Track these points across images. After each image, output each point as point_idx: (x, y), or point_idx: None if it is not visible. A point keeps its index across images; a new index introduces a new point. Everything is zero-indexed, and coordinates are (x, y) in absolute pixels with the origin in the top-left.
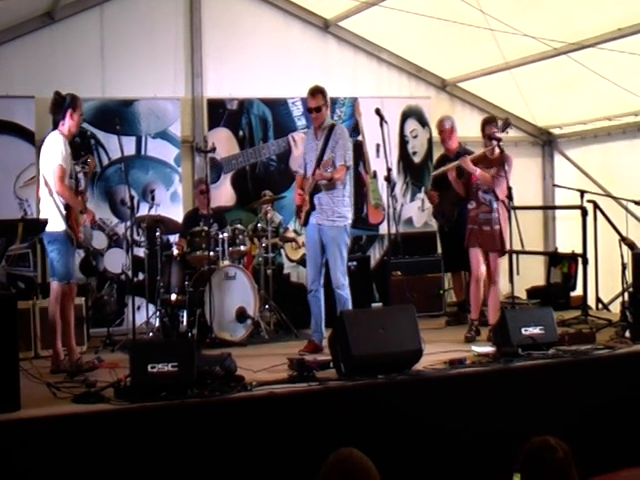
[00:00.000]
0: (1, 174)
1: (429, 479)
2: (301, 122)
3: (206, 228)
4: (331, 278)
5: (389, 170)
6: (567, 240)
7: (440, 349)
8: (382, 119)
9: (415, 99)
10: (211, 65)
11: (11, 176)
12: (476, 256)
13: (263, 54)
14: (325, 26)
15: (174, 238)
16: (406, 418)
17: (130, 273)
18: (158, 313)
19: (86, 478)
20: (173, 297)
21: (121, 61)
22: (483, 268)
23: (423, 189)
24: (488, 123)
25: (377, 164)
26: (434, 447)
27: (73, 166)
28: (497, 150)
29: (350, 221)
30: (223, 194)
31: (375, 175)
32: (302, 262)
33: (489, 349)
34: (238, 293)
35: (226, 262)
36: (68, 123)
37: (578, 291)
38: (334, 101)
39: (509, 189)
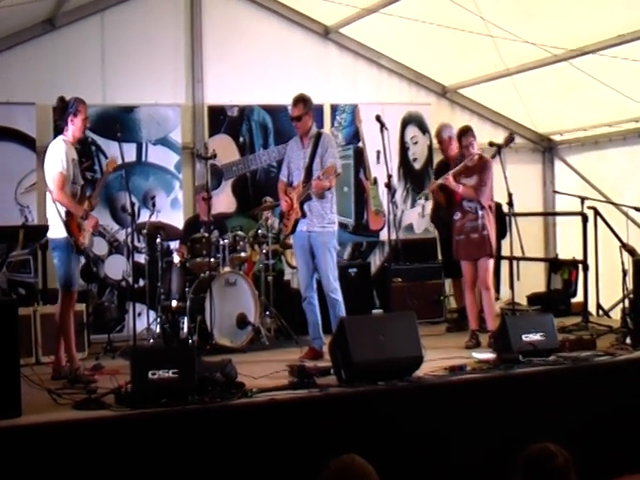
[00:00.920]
0: (2, 180)
1: None
2: None
3: (207, 234)
4: (323, 283)
5: (389, 176)
6: (568, 246)
7: (441, 355)
8: (382, 126)
9: (415, 106)
10: (212, 71)
11: (12, 182)
12: (466, 268)
13: (263, 61)
14: (325, 33)
15: (175, 245)
16: (406, 424)
17: (131, 279)
18: (159, 319)
19: None
20: (174, 303)
21: (122, 67)
22: (474, 276)
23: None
24: (464, 134)
25: (377, 170)
26: (434, 453)
27: (79, 171)
28: (476, 156)
29: (337, 226)
30: (224, 200)
31: (375, 181)
32: None
33: (489, 355)
34: (239, 299)
35: (227, 268)
36: (71, 128)
37: (579, 297)
38: (334, 107)
39: (510, 196)
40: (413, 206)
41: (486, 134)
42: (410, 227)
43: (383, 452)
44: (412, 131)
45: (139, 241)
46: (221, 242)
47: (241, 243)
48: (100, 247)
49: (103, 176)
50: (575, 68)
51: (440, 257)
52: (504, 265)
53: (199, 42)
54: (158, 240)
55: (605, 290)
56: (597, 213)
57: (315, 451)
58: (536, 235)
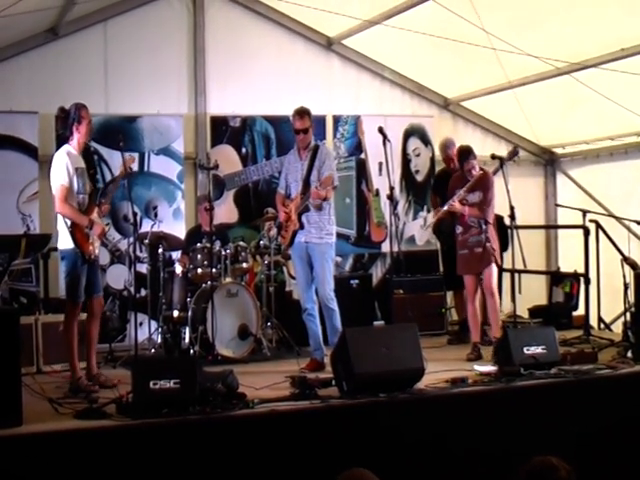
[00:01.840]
0: (4, 189)
1: None
2: None
3: (208, 245)
4: (319, 292)
5: (392, 188)
6: (569, 259)
7: (442, 368)
8: (385, 137)
9: (418, 118)
10: (214, 82)
11: (14, 191)
12: (468, 282)
13: (266, 72)
14: (328, 44)
15: (176, 255)
16: (408, 436)
17: (132, 289)
18: (160, 329)
19: None
20: (175, 314)
21: (124, 77)
22: (476, 290)
23: (426, 207)
24: (466, 158)
25: (380, 182)
26: (436, 466)
27: (86, 180)
28: (477, 170)
29: (335, 238)
30: (225, 211)
31: (378, 193)
32: None
33: (491, 368)
34: (240, 310)
35: (228, 279)
36: (76, 136)
37: (580, 311)
38: (337, 119)
39: (512, 208)
40: (415, 218)
41: (488, 147)
42: (412, 239)
43: (384, 464)
44: (414, 143)
45: (141, 251)
46: (223, 252)
47: (243, 254)
48: (102, 257)
49: (117, 176)
50: (577, 81)
51: (442, 269)
52: (506, 278)
53: (202, 52)
54: (160, 250)
55: (606, 303)
56: (599, 226)
57: (316, 463)
58: (538, 248)
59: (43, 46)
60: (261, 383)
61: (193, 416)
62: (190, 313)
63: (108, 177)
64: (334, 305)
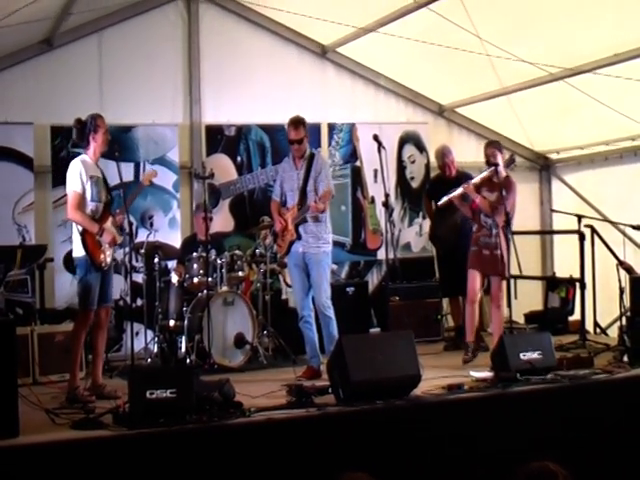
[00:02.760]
0: (0, 200)
1: None
2: None
3: (204, 254)
4: (315, 300)
5: (387, 195)
6: (565, 265)
7: (438, 374)
8: (380, 145)
9: (413, 124)
10: (209, 91)
11: (10, 202)
12: (473, 278)
13: (261, 80)
14: (323, 52)
15: (172, 264)
16: (405, 443)
17: (129, 299)
18: (156, 339)
19: None
20: (171, 323)
21: (119, 87)
22: (478, 290)
23: (421, 213)
24: (488, 145)
25: (375, 189)
26: (433, 472)
27: (102, 188)
28: (503, 173)
29: (331, 246)
30: (221, 220)
31: (373, 200)
32: None
33: (487, 374)
34: (236, 319)
35: (224, 288)
36: (92, 146)
37: (576, 316)
38: (332, 127)
39: (507, 214)
40: (411, 225)
41: (483, 153)
42: (408, 246)
43: (381, 471)
44: (409, 150)
45: (137, 260)
46: (219, 261)
47: (239, 262)
48: None
49: (136, 189)
50: (571, 87)
51: (438, 276)
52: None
53: (197, 62)
54: (156, 259)
55: (602, 308)
56: (594, 231)
57: (313, 471)
58: (533, 253)
59: (38, 57)
60: (257, 391)
61: (190, 425)
62: (186, 322)
63: None
64: (331, 313)
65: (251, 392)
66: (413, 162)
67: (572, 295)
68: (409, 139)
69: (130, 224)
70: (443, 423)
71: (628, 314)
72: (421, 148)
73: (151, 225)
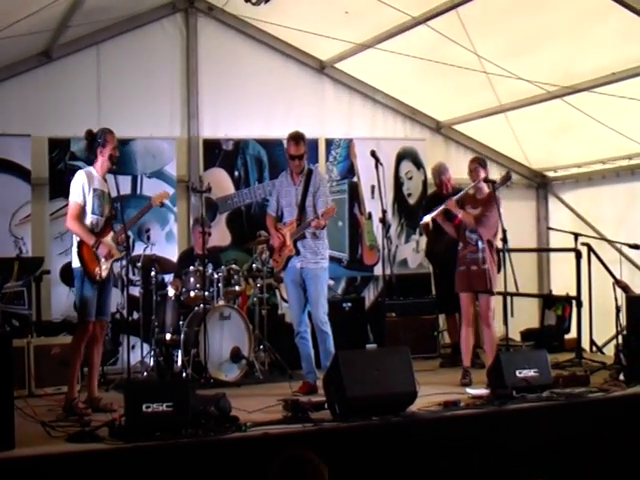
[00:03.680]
0: None
1: None
2: None
3: (201, 268)
4: (312, 315)
5: (384, 212)
6: (561, 282)
7: (434, 391)
8: (377, 161)
9: (410, 141)
10: (207, 105)
11: (7, 214)
12: (466, 302)
13: (259, 95)
14: (321, 67)
15: (169, 278)
16: (400, 460)
17: (125, 312)
18: (153, 352)
19: None
20: (168, 337)
21: (117, 100)
22: (472, 312)
23: (418, 230)
24: (472, 161)
25: (372, 205)
26: None
27: (104, 202)
28: (486, 190)
29: (328, 262)
30: (218, 234)
31: (370, 216)
32: None
33: (483, 391)
34: (233, 333)
35: (221, 302)
36: (100, 160)
37: (572, 334)
38: (329, 142)
39: (504, 232)
40: (407, 241)
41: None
42: (404, 262)
43: None
44: (407, 166)
45: (134, 274)
46: (215, 275)
47: (235, 277)
48: None
49: (144, 208)
50: (569, 105)
51: (434, 292)
52: (498, 301)
53: (195, 76)
54: (153, 273)
55: (598, 326)
56: (590, 249)
57: None
58: (530, 271)
59: (36, 69)
60: (253, 406)
61: (186, 439)
62: (182, 336)
63: None
64: (328, 328)
65: (247, 407)
66: (410, 178)
67: (568, 313)
68: (406, 155)
69: (127, 237)
70: (439, 439)
71: (624, 333)
72: (418, 164)
73: (148, 239)
